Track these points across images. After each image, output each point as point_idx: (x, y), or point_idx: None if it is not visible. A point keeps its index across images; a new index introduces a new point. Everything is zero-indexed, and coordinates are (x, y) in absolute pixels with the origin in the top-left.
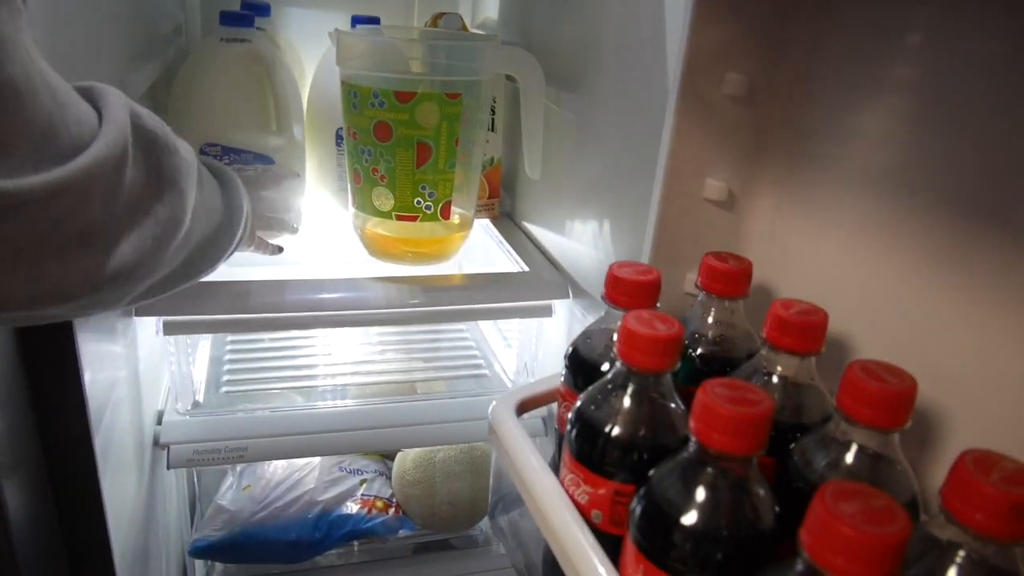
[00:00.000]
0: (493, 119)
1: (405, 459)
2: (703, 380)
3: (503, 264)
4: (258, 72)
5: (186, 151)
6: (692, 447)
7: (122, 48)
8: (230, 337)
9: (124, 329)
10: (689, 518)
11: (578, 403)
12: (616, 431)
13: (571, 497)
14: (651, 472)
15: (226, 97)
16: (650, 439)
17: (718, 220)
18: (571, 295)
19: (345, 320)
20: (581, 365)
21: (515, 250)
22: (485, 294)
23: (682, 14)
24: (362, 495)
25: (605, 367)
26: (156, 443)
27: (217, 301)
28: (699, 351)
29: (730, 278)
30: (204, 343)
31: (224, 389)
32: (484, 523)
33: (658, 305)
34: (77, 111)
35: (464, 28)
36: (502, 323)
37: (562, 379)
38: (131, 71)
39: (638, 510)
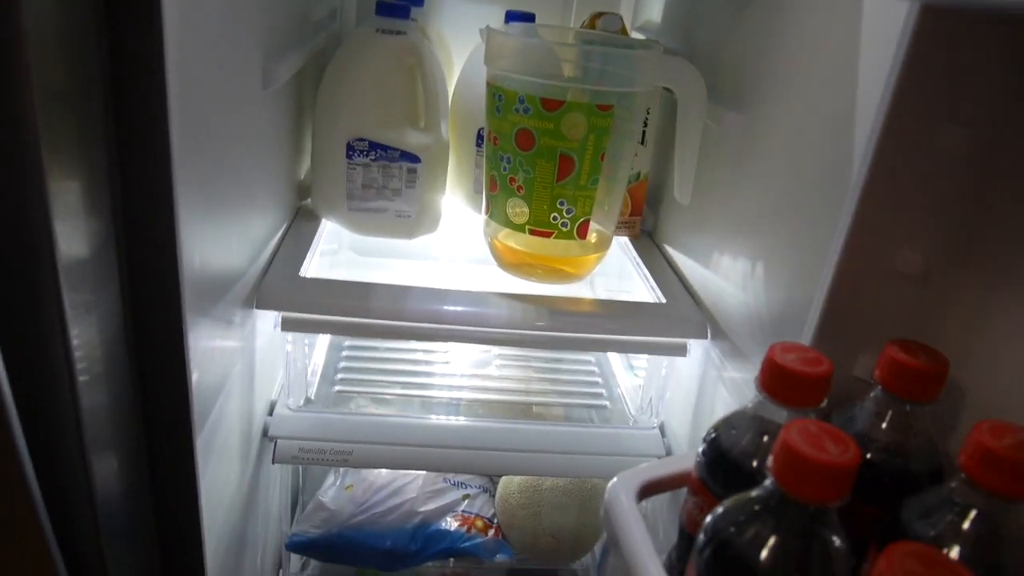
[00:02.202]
0: (644, 131)
1: (511, 482)
2: (868, 494)
3: (638, 288)
4: (411, 65)
5: None
6: None
7: (268, 35)
8: None
9: (242, 321)
10: None
11: (716, 517)
12: (763, 568)
13: None
14: None
15: (378, 90)
16: None
17: (907, 297)
18: (709, 336)
19: (465, 336)
20: (721, 461)
21: (652, 275)
22: (617, 324)
23: (893, 44)
24: (463, 512)
25: (752, 463)
26: (265, 434)
27: (339, 300)
28: (867, 456)
29: (919, 377)
30: (323, 336)
31: (337, 388)
32: (586, 559)
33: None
34: None
35: (623, 31)
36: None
37: (695, 466)
38: (275, 61)
39: None
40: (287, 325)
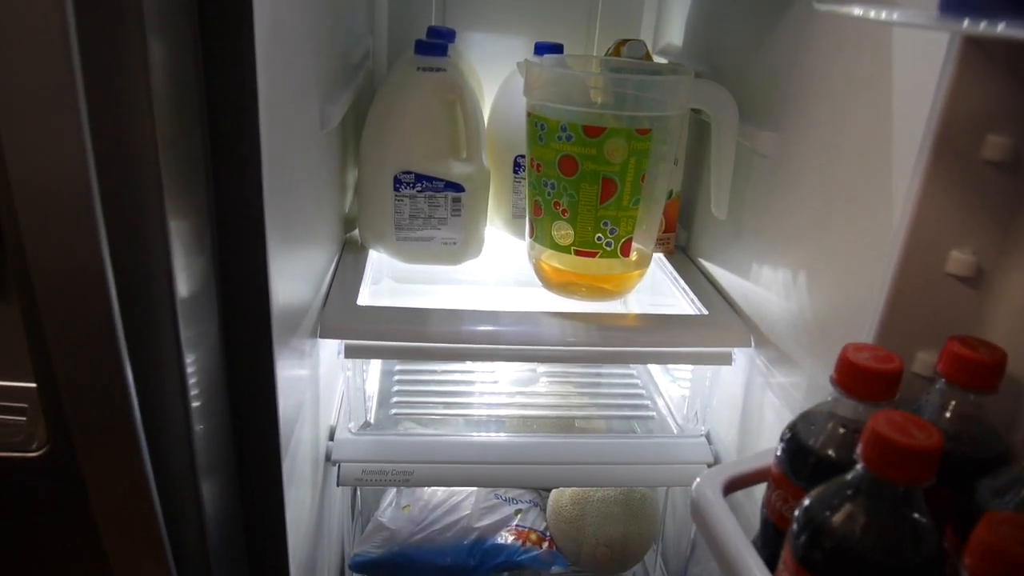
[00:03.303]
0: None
1: (563, 495)
2: (941, 478)
3: (676, 302)
4: (451, 100)
5: None
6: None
7: (323, 82)
8: (397, 360)
9: (311, 351)
10: None
11: (808, 503)
12: (858, 546)
13: None
14: None
15: (421, 125)
16: (897, 558)
17: (961, 298)
18: (753, 344)
19: (519, 355)
20: (802, 454)
21: (691, 289)
22: (662, 337)
23: (937, 68)
24: (517, 526)
25: (831, 454)
26: (328, 459)
27: (396, 326)
28: None
29: (980, 369)
30: (376, 361)
31: (394, 411)
32: (638, 568)
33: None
34: None
35: (648, 56)
36: (674, 365)
37: (776, 461)
38: (329, 103)
39: None
40: (350, 352)
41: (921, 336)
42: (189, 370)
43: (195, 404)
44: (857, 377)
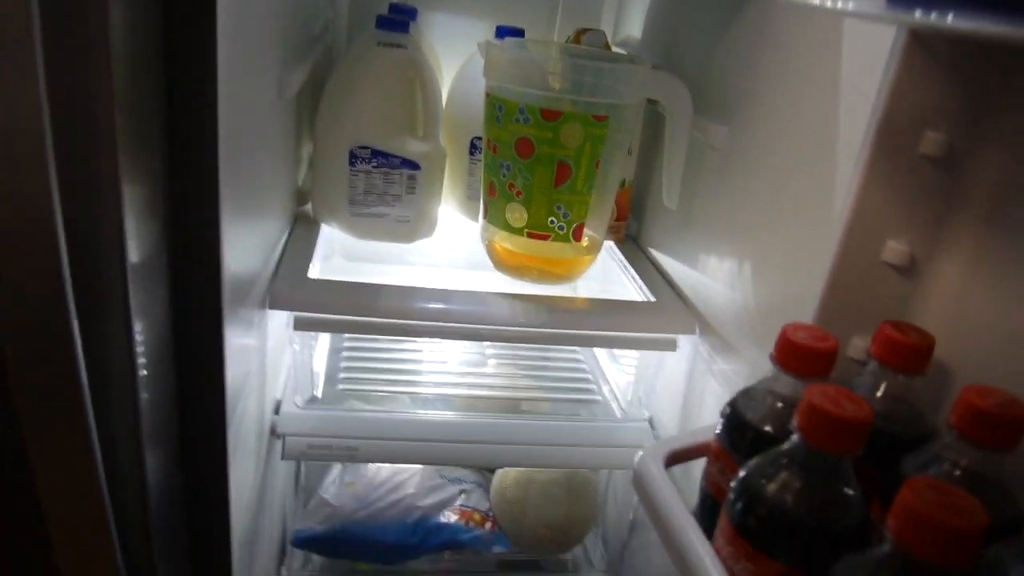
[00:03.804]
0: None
1: (506, 476)
2: (867, 455)
3: (624, 289)
4: (410, 78)
5: None
6: (888, 546)
7: (282, 49)
8: (345, 335)
9: (259, 322)
10: None
11: (744, 473)
12: (790, 513)
13: (728, 570)
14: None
15: (379, 101)
16: (826, 525)
17: (895, 285)
18: (698, 331)
19: (469, 333)
20: (741, 428)
21: (640, 276)
22: (610, 321)
23: (882, 66)
24: (461, 506)
25: (767, 428)
26: (273, 432)
27: (347, 300)
28: None
29: (910, 352)
30: (324, 336)
31: (341, 387)
32: (577, 549)
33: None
34: None
35: (607, 46)
36: (620, 351)
37: (716, 436)
38: (288, 71)
39: None
40: (299, 324)
41: (857, 322)
42: (138, 337)
43: (142, 373)
44: (795, 354)
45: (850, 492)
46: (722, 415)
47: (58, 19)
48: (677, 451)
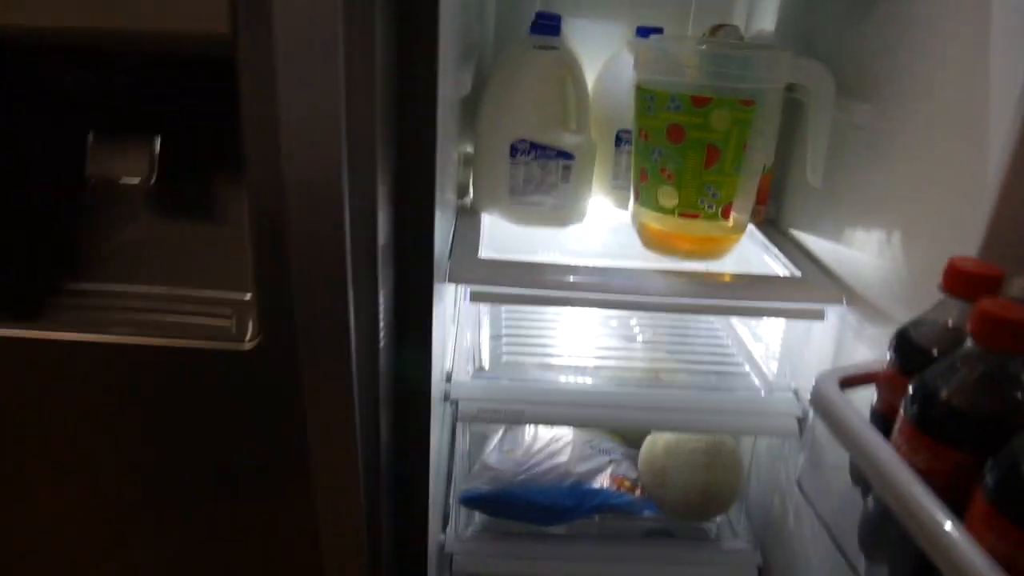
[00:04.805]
0: None
1: (655, 445)
2: None
3: (768, 266)
4: (563, 76)
5: None
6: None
7: (458, 52)
8: (505, 314)
9: (440, 297)
10: None
11: (923, 376)
12: (967, 406)
13: (908, 463)
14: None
15: (537, 98)
16: (998, 415)
17: None
18: (845, 302)
19: (627, 304)
20: (912, 349)
21: (783, 254)
22: (758, 292)
23: None
24: (612, 473)
25: (935, 351)
26: (446, 398)
27: (518, 275)
28: None
29: None
30: (484, 316)
31: (505, 359)
32: (722, 521)
33: None
34: None
35: (741, 40)
36: (762, 328)
37: (887, 363)
38: (463, 72)
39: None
40: (475, 297)
41: (1015, 266)
42: (382, 306)
43: (381, 343)
44: (962, 280)
45: (1019, 388)
46: (891, 345)
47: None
48: (849, 377)
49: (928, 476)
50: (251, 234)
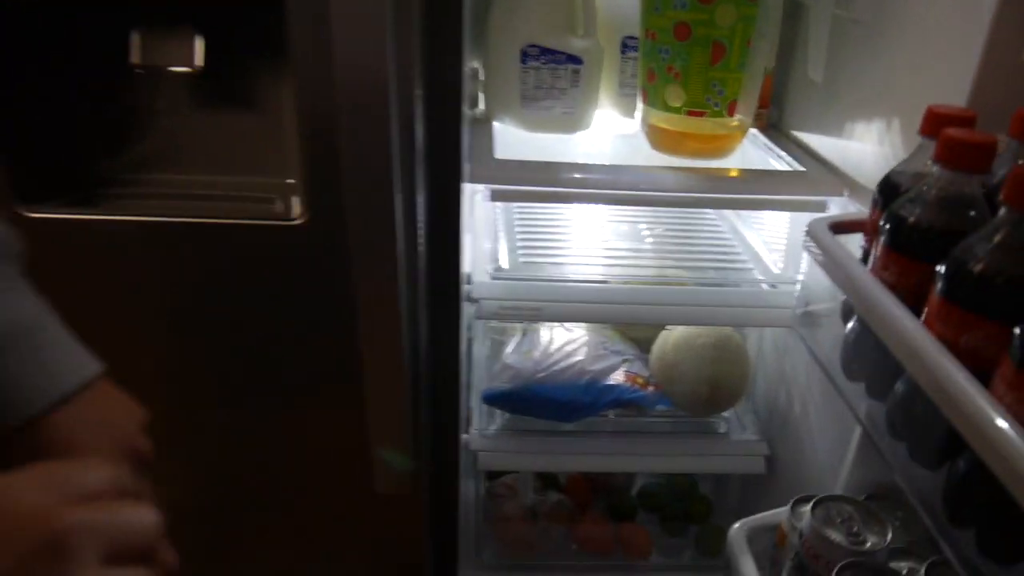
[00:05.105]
0: None
1: (666, 342)
2: None
3: (774, 165)
4: None
5: None
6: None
7: None
8: (516, 215)
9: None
10: None
11: (893, 206)
12: (927, 222)
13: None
14: None
15: (545, 4)
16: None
17: None
18: (847, 194)
19: (640, 199)
20: (892, 190)
21: (786, 153)
22: (763, 186)
23: None
24: (625, 371)
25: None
26: (467, 298)
27: (535, 174)
28: None
29: None
30: (500, 220)
31: (521, 259)
32: (731, 416)
33: None
34: None
35: None
36: (766, 226)
37: (873, 208)
38: None
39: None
40: (496, 196)
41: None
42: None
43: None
44: (937, 122)
45: (973, 205)
46: (876, 190)
47: None
48: (839, 222)
49: (897, 289)
50: (299, 123)
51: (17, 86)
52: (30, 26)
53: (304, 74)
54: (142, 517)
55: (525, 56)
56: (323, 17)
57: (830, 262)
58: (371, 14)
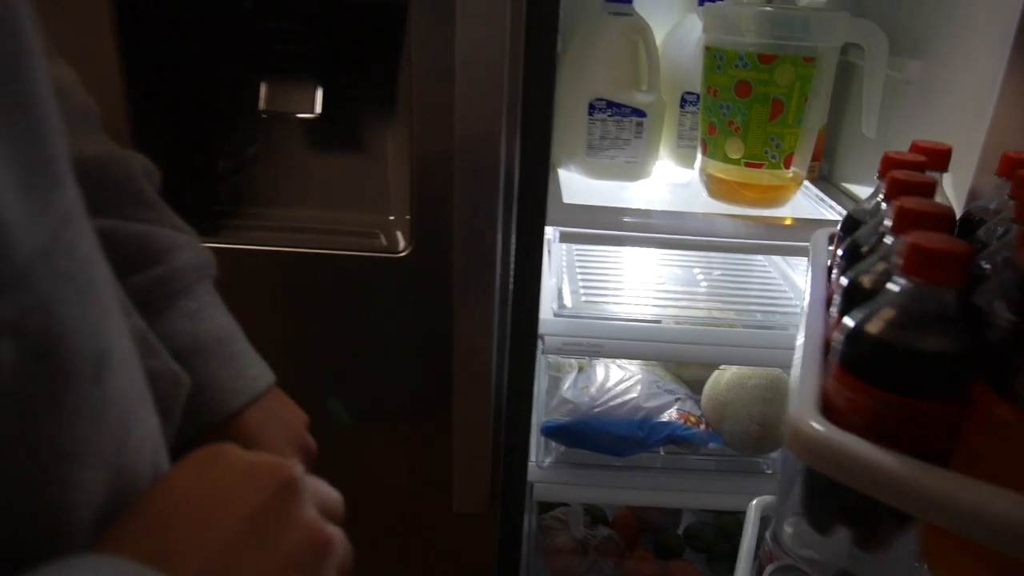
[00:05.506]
0: None
1: (719, 381)
2: None
3: (823, 215)
4: (636, 40)
5: None
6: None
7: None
8: (576, 256)
9: None
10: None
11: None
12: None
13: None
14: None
15: (612, 60)
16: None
17: None
18: None
19: (701, 245)
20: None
21: (837, 204)
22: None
23: None
24: (678, 409)
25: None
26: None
27: (602, 218)
28: None
29: None
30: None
31: (584, 299)
32: (775, 455)
33: None
34: None
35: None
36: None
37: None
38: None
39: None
40: (565, 237)
41: None
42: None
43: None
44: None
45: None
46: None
47: None
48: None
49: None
50: (411, 166)
51: (171, 126)
52: (183, 75)
53: (420, 125)
54: (333, 492)
55: (592, 108)
56: (442, 75)
57: None
58: (491, 80)
